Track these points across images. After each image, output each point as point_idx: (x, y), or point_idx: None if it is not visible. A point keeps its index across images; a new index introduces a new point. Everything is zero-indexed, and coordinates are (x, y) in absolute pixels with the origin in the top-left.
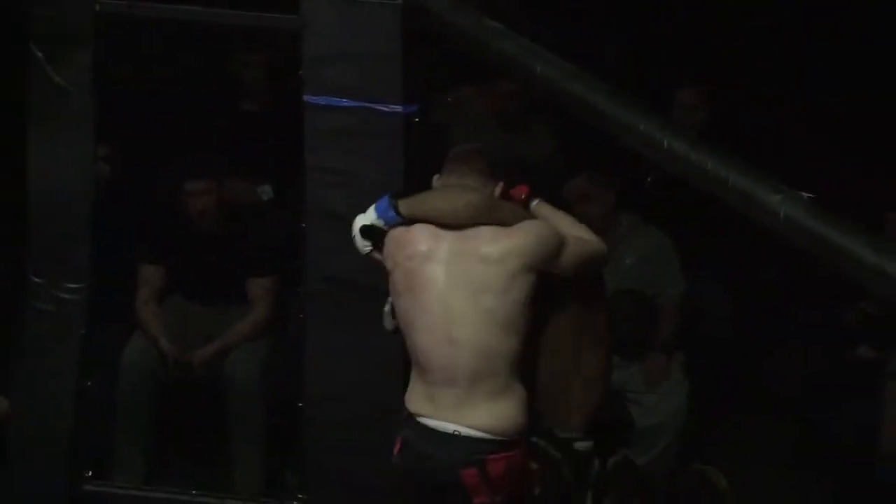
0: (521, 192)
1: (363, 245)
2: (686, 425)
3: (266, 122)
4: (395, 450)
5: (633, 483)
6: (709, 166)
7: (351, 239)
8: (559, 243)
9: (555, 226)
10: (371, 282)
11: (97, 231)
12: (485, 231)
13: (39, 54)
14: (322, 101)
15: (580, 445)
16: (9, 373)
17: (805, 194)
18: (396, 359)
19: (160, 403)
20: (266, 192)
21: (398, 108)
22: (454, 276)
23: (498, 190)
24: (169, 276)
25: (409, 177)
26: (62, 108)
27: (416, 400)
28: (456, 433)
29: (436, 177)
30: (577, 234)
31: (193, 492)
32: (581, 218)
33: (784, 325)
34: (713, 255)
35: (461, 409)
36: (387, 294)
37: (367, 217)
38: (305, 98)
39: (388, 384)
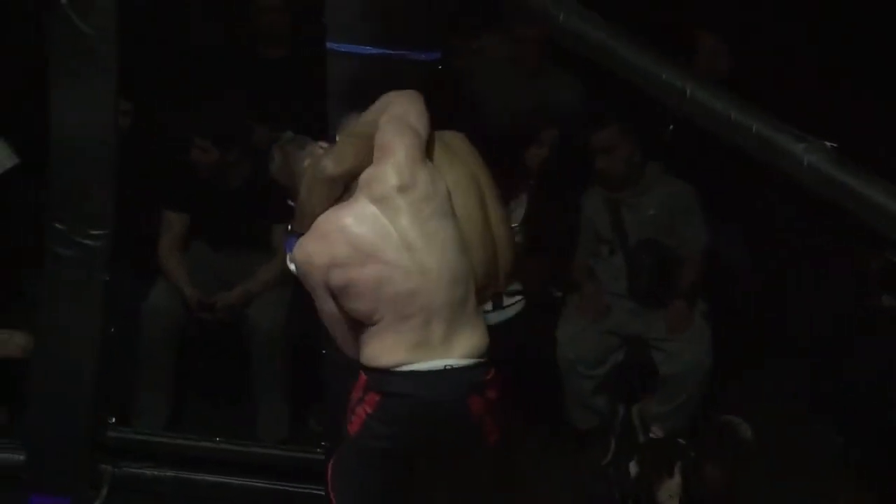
0: None
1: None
2: (709, 374)
3: (288, 69)
4: (367, 412)
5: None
6: (732, 115)
7: None
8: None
9: None
10: None
11: (120, 178)
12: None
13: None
14: (344, 48)
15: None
16: (33, 318)
17: (828, 143)
18: None
19: (183, 350)
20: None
21: (421, 56)
22: (401, 217)
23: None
24: (192, 222)
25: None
26: (84, 53)
27: (392, 352)
28: (448, 367)
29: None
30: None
31: (217, 438)
32: (606, 170)
33: (807, 274)
34: (736, 205)
35: (447, 343)
36: None
37: (289, 261)
38: (328, 45)
39: None
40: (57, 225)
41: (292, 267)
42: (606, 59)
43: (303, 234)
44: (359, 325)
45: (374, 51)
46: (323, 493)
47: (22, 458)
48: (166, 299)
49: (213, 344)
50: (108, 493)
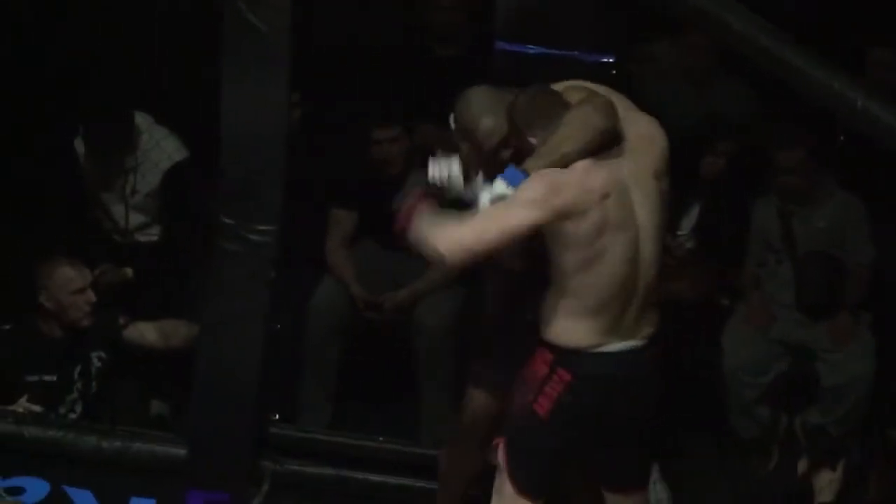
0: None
1: None
2: (874, 387)
3: (459, 67)
4: (559, 391)
5: (824, 444)
6: None
7: None
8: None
9: None
10: None
11: (289, 174)
12: (627, 145)
13: None
14: (514, 47)
15: None
16: (199, 313)
17: None
18: None
19: (348, 349)
20: None
21: (593, 58)
22: (642, 200)
23: None
24: (360, 220)
25: None
26: (257, 49)
27: (587, 334)
28: (635, 347)
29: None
30: None
31: (380, 438)
32: (787, 186)
33: None
34: None
35: (638, 325)
36: None
37: (497, 188)
38: (498, 44)
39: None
40: (225, 219)
41: (488, 196)
42: (776, 66)
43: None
44: (547, 289)
45: (545, 51)
46: (481, 494)
47: (183, 452)
48: (333, 297)
49: (379, 343)
50: (269, 489)
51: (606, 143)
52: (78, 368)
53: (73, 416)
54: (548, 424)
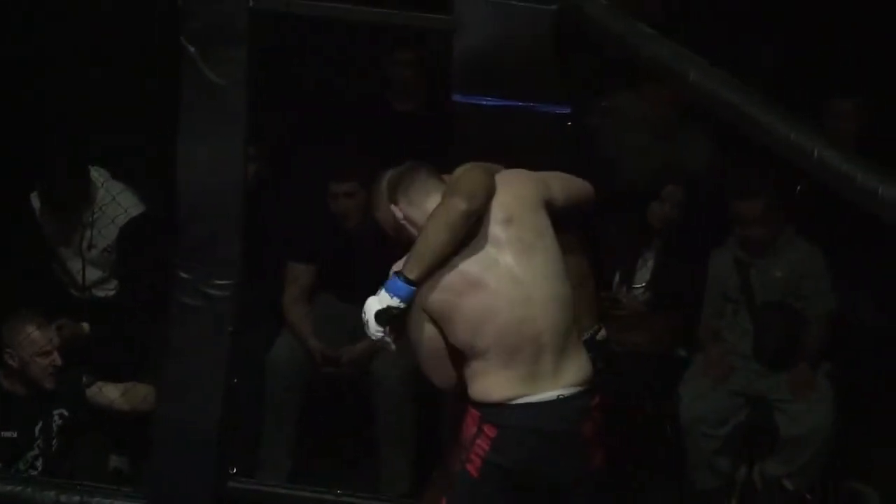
0: None
1: (376, 331)
2: (834, 437)
3: (416, 122)
4: (486, 448)
5: (782, 495)
6: (859, 177)
7: None
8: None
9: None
10: None
11: (246, 228)
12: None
13: (192, 49)
14: (472, 100)
15: (600, 336)
16: (157, 368)
17: None
18: None
19: (306, 402)
20: None
21: (551, 109)
22: (506, 251)
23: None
24: (318, 272)
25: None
26: (214, 104)
27: (505, 386)
28: (560, 397)
29: (396, 207)
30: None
31: (338, 491)
32: (748, 237)
33: None
34: (864, 268)
35: (557, 373)
36: None
37: (381, 300)
38: (455, 97)
39: None
40: (183, 274)
41: (376, 307)
42: (735, 117)
43: (411, 279)
44: (462, 360)
45: (503, 103)
46: None
47: None
48: (291, 351)
49: (336, 396)
50: None
51: (474, 220)
52: (39, 425)
53: (33, 472)
54: (480, 483)
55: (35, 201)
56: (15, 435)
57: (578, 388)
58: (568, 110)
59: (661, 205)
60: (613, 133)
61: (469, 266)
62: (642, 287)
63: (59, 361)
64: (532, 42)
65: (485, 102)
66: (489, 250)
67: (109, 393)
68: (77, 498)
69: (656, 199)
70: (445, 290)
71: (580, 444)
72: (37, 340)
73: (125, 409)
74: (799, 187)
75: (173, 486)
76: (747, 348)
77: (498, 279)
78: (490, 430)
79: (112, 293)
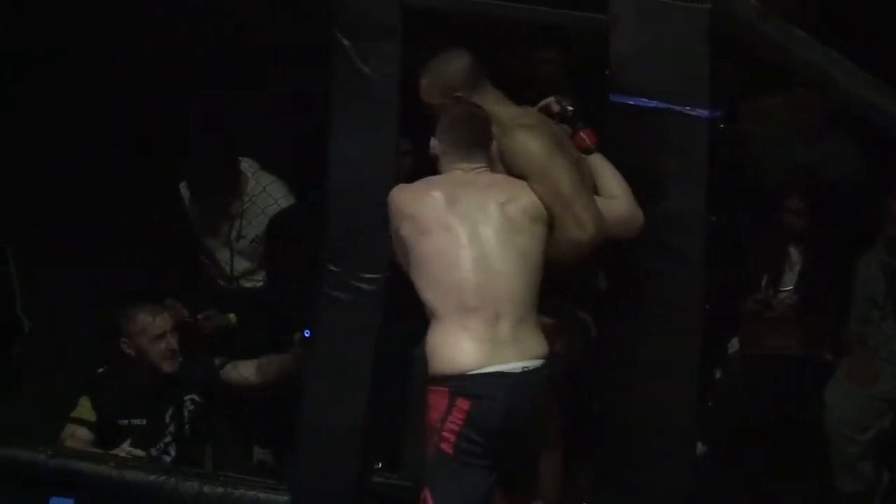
0: (588, 138)
1: None
2: None
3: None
4: (459, 424)
5: None
6: None
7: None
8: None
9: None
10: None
11: None
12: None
13: (346, 43)
14: (628, 100)
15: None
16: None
17: None
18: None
19: None
20: None
21: (703, 112)
22: (483, 218)
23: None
24: None
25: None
26: (367, 97)
27: (469, 353)
28: (525, 369)
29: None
30: (615, 195)
31: None
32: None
33: None
34: None
35: (518, 344)
36: None
37: None
38: (611, 97)
39: (679, 389)
40: (332, 268)
41: None
42: (883, 121)
43: None
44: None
45: (657, 104)
46: None
47: (286, 499)
48: None
49: None
50: None
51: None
52: (170, 411)
53: (166, 457)
54: (455, 459)
55: (184, 190)
56: (144, 422)
57: (540, 361)
58: (720, 113)
59: (791, 213)
60: (763, 137)
61: (448, 211)
62: (789, 290)
63: (174, 345)
64: (687, 42)
65: (640, 103)
66: (477, 217)
67: (244, 371)
68: (220, 489)
69: (787, 209)
70: (413, 220)
71: (538, 414)
72: (150, 325)
73: (258, 381)
74: None
75: (318, 480)
76: (892, 353)
77: (471, 240)
78: (463, 403)
79: (260, 284)
